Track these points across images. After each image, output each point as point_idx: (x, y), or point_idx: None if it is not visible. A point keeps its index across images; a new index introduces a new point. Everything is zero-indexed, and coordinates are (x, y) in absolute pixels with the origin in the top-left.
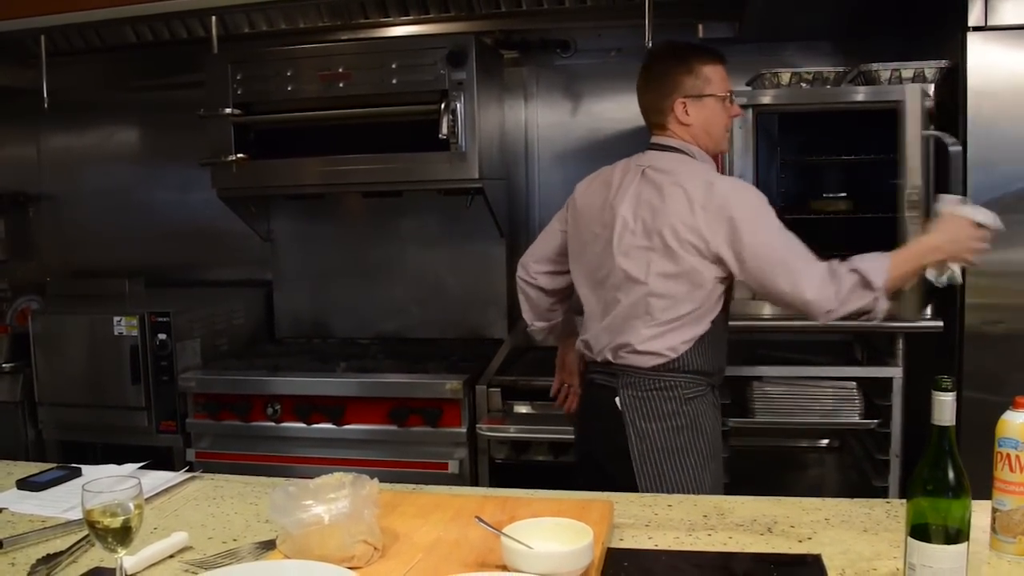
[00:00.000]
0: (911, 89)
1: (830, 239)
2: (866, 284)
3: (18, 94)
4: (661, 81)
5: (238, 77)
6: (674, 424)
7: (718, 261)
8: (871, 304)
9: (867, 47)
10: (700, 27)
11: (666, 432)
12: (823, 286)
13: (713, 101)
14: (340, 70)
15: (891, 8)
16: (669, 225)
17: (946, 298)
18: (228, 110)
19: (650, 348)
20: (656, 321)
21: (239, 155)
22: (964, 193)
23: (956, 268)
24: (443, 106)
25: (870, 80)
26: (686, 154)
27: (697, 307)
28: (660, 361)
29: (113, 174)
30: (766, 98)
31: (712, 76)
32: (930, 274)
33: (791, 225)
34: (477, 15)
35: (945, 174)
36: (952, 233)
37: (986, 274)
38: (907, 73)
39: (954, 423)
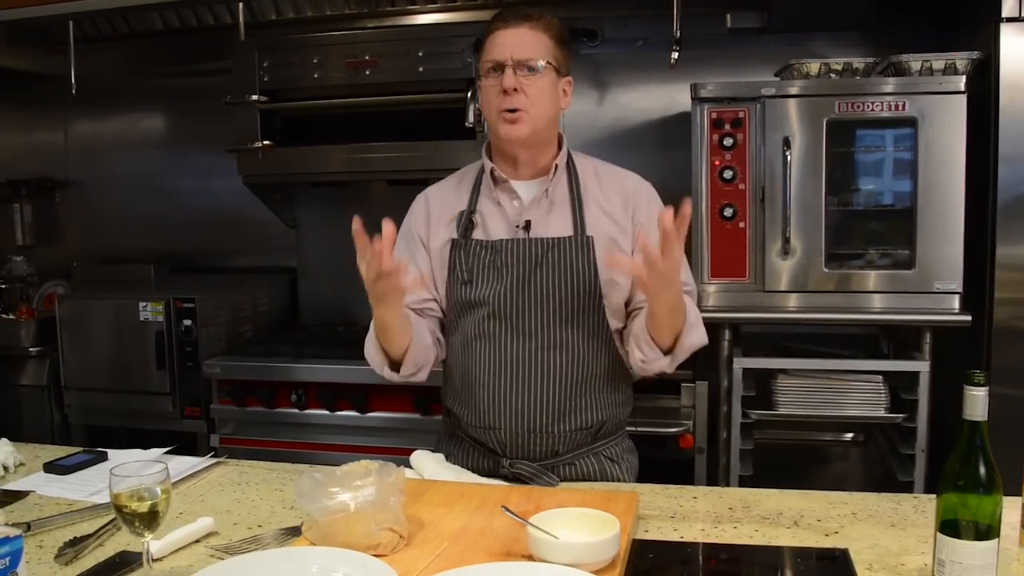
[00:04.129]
0: None
1: None
2: None
3: (46, 80)
4: None
5: (265, 64)
6: None
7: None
8: None
9: (897, 38)
10: (728, 17)
11: None
12: None
13: (484, 79)
14: (366, 58)
15: None
16: None
17: (976, 293)
18: (254, 97)
19: None
20: None
21: (265, 142)
22: (995, 188)
23: None
24: (469, 95)
25: (900, 72)
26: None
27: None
28: None
29: (139, 160)
30: (794, 88)
31: (485, 47)
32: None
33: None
34: (504, 3)
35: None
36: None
37: (1016, 269)
38: (938, 64)
39: (986, 418)
